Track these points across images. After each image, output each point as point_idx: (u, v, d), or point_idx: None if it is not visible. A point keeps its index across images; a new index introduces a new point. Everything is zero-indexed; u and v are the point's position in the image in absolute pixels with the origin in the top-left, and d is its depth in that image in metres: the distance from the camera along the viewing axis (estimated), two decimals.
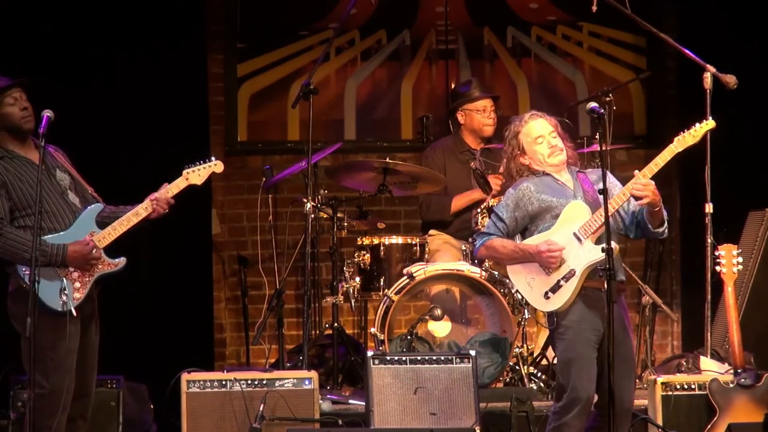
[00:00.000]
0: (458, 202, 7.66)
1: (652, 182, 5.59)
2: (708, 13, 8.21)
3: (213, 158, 5.93)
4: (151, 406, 6.97)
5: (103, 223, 5.81)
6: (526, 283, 5.74)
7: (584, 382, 5.59)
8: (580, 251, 5.61)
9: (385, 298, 7.31)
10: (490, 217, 5.88)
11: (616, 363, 5.40)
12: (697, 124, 5.74)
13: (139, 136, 7.89)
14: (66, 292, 5.63)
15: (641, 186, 5.56)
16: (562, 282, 5.63)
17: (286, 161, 8.38)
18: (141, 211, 5.80)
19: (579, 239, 5.62)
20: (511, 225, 5.77)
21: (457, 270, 7.24)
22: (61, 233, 5.71)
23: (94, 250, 5.70)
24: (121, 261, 5.79)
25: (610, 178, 5.69)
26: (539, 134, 5.73)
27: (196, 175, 5.89)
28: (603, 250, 5.41)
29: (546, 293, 5.67)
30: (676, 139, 5.77)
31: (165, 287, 7.85)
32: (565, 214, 5.67)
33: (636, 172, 5.62)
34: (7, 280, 5.73)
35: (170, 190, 5.86)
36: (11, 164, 5.70)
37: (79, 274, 5.71)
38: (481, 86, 7.88)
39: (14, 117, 5.71)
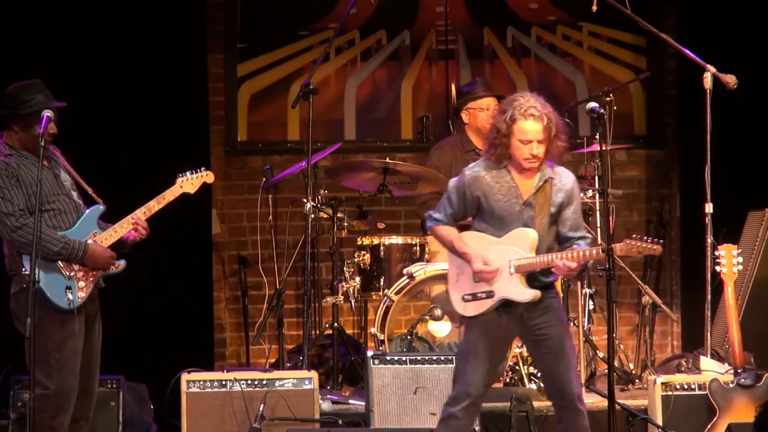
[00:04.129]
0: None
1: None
2: (708, 13, 8.21)
3: (203, 168, 6.14)
4: (151, 406, 6.98)
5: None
6: (455, 273, 5.76)
7: (477, 378, 5.63)
8: (508, 281, 5.61)
9: (385, 298, 7.31)
10: (442, 199, 5.80)
11: (554, 358, 5.55)
12: None
13: (139, 136, 7.89)
14: (71, 290, 5.69)
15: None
16: (480, 295, 5.66)
17: (286, 161, 8.38)
18: (125, 225, 5.92)
19: (511, 269, 5.61)
20: (460, 213, 5.75)
21: None
22: (65, 231, 5.78)
23: (110, 256, 5.83)
24: (121, 264, 5.90)
25: (574, 200, 5.67)
26: (529, 139, 5.58)
27: (189, 183, 6.10)
28: (526, 294, 5.53)
29: (464, 296, 5.69)
30: None
31: (165, 287, 7.85)
32: (513, 236, 5.61)
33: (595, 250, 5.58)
34: (9, 281, 5.76)
35: (165, 197, 6.01)
36: (22, 162, 5.76)
37: (83, 273, 5.78)
38: (485, 85, 7.87)
39: (37, 141, 5.70)
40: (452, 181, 5.78)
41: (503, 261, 5.60)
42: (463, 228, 5.85)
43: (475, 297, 5.66)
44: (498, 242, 5.63)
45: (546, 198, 5.62)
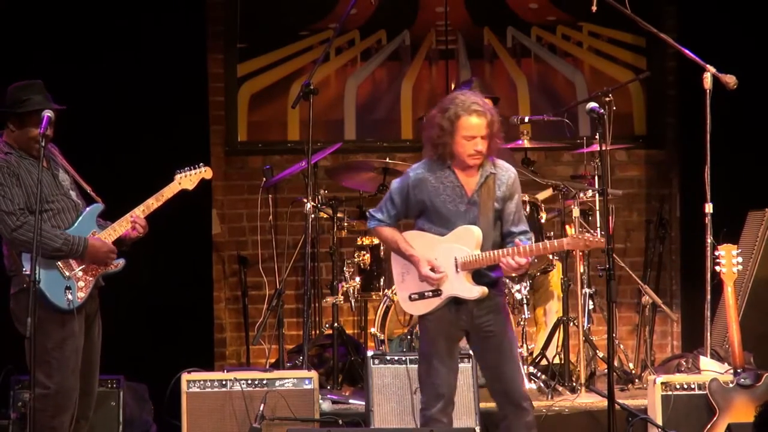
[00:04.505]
0: None
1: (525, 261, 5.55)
2: (708, 13, 8.21)
3: (201, 164, 6.15)
4: (151, 406, 6.98)
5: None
6: (401, 273, 5.75)
7: (445, 376, 5.64)
8: (454, 279, 5.60)
9: (385, 298, 7.32)
10: (384, 199, 5.79)
11: (499, 356, 5.56)
12: None
13: (139, 136, 7.89)
14: (71, 290, 5.69)
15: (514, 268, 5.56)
16: (428, 294, 5.65)
17: (286, 161, 8.38)
18: (123, 223, 5.91)
19: (457, 267, 5.60)
20: (402, 214, 5.75)
21: None
22: (65, 231, 5.78)
23: (110, 250, 5.83)
24: (121, 262, 5.91)
25: (515, 194, 5.67)
26: (473, 134, 5.57)
27: (188, 180, 6.10)
28: (474, 291, 5.51)
29: (411, 295, 5.69)
30: None
31: (165, 287, 7.86)
32: (457, 234, 5.61)
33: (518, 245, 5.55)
34: (9, 282, 5.76)
35: (164, 194, 6.01)
36: (22, 162, 5.78)
37: (83, 273, 5.79)
38: (481, 86, 7.86)
39: (31, 142, 5.77)
40: (395, 182, 5.77)
41: (449, 259, 5.60)
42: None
43: (422, 296, 5.66)
44: (443, 240, 5.62)
45: (489, 193, 5.63)
